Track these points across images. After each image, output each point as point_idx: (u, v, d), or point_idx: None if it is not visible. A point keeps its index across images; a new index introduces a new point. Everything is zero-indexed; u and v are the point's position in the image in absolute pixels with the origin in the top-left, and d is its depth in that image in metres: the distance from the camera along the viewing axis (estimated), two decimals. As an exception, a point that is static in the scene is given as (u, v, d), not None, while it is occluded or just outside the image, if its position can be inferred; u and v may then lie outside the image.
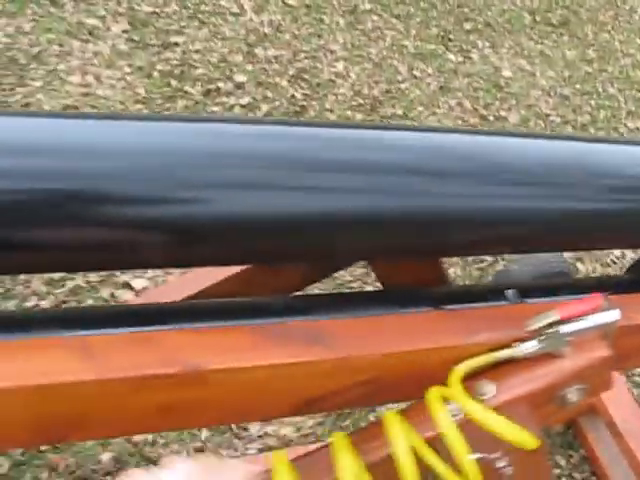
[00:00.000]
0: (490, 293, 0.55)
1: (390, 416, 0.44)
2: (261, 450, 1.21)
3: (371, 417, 1.26)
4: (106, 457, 1.11)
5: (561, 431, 1.42)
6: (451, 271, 1.60)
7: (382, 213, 0.45)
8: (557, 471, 1.39)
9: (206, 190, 0.40)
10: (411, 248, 0.50)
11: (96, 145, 0.37)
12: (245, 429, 1.19)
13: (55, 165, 0.36)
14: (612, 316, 0.45)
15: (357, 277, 1.50)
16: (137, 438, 1.13)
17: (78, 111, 1.71)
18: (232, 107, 1.84)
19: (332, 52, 2.14)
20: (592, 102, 2.43)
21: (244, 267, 0.63)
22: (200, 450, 1.14)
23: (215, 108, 1.83)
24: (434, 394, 0.44)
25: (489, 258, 1.65)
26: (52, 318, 0.41)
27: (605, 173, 0.53)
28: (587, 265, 1.80)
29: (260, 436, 1.23)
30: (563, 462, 1.41)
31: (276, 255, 0.47)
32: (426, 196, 0.47)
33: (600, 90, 2.51)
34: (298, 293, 0.55)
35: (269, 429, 1.22)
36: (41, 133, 0.37)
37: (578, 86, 2.46)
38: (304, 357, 0.41)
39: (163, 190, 0.38)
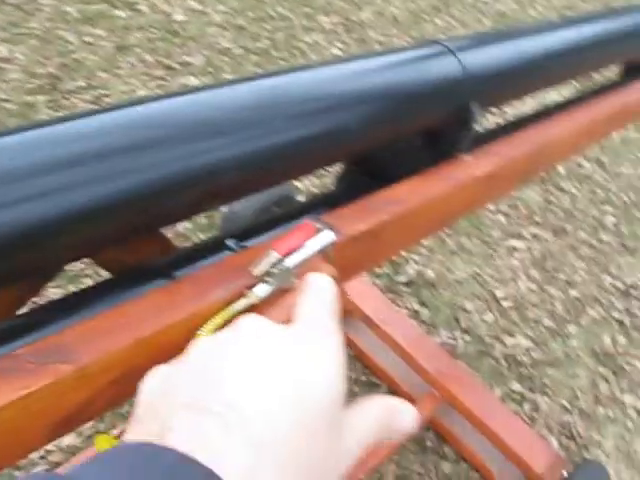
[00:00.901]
0: (213, 247, 0.55)
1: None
2: (50, 469, 1.14)
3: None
4: None
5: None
6: (181, 226, 1.59)
7: (87, 206, 0.43)
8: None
9: None
10: (129, 229, 0.49)
11: None
12: (22, 457, 1.12)
13: None
14: (327, 237, 0.47)
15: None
16: None
17: None
18: None
19: (-11, 36, 1.97)
20: (267, 26, 2.50)
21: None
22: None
23: None
24: None
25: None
26: None
27: (293, 101, 0.55)
28: (304, 182, 1.89)
29: (42, 457, 1.16)
30: (337, 368, 1.49)
31: None
32: (129, 174, 0.45)
33: (272, 13, 2.58)
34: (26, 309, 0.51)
35: (49, 446, 1.15)
36: None
37: (250, 14, 2.51)
38: (43, 381, 0.39)
39: None
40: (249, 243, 0.54)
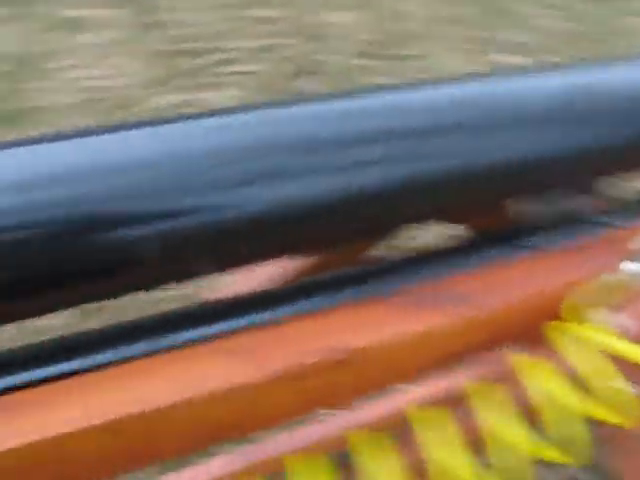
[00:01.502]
0: (583, 222, 0.55)
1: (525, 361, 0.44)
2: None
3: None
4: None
5: None
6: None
7: (461, 170, 0.46)
8: None
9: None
10: (493, 196, 0.51)
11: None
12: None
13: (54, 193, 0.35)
14: None
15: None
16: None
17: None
18: (245, 74, 1.81)
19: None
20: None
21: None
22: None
23: (232, 77, 1.80)
24: (554, 329, 0.44)
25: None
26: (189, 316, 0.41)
27: None
28: None
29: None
30: None
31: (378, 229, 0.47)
32: (506, 146, 0.48)
33: None
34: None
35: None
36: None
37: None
38: (441, 320, 0.42)
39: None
40: (625, 223, 0.54)
